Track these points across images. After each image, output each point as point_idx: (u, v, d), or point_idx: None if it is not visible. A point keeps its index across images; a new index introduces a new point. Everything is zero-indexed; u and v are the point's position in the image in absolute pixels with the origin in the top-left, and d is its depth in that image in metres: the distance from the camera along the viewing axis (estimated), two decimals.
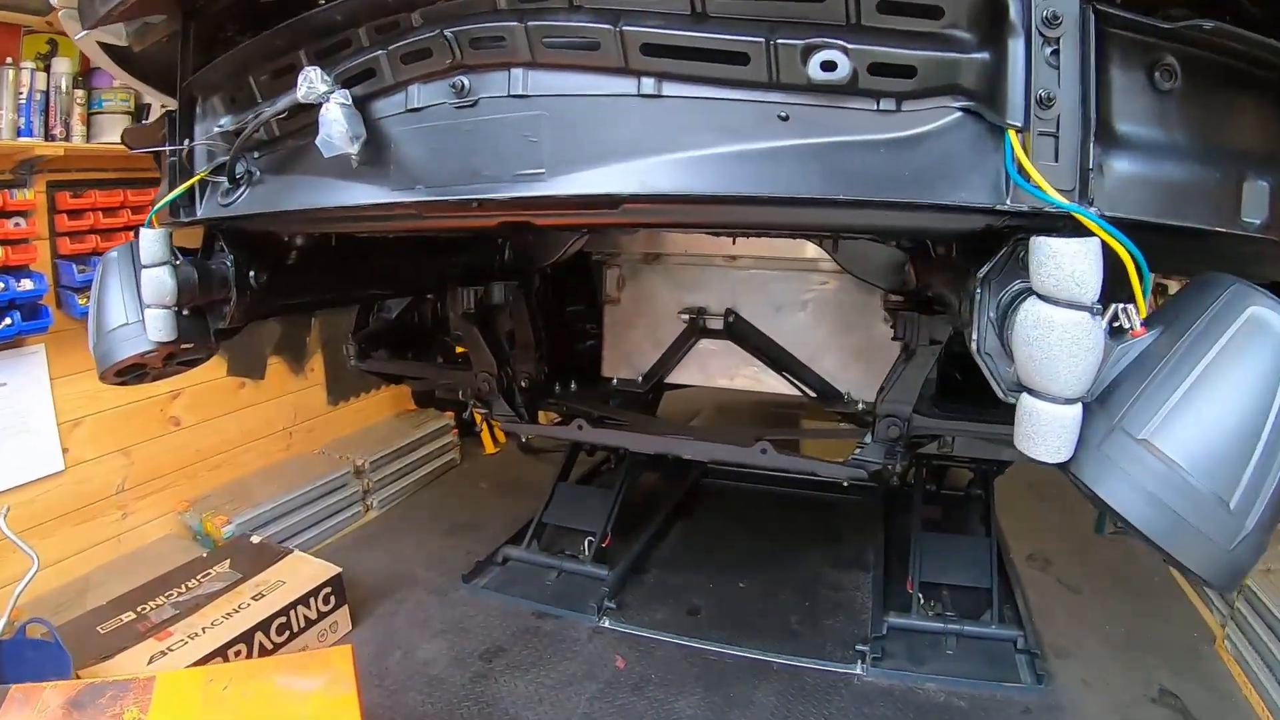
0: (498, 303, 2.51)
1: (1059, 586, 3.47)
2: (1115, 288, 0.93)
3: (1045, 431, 0.95)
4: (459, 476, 4.75)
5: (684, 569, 3.60)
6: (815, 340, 2.69)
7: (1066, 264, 0.88)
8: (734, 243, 2.05)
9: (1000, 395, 1.05)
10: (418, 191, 1.15)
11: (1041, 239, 0.90)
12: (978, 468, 3.66)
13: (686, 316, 2.71)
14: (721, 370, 2.81)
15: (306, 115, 1.24)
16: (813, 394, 2.69)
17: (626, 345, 2.91)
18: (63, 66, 3.04)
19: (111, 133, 3.15)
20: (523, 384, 2.69)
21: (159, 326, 1.53)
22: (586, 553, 3.48)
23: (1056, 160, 0.93)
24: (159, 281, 1.52)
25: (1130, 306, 0.94)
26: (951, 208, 0.96)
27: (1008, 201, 0.95)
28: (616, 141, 1.03)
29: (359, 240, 1.98)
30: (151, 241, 1.51)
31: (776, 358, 2.67)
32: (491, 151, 1.10)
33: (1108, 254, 0.90)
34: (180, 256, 1.60)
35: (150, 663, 2.59)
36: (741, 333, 2.68)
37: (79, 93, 3.09)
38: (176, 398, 3.55)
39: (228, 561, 3.15)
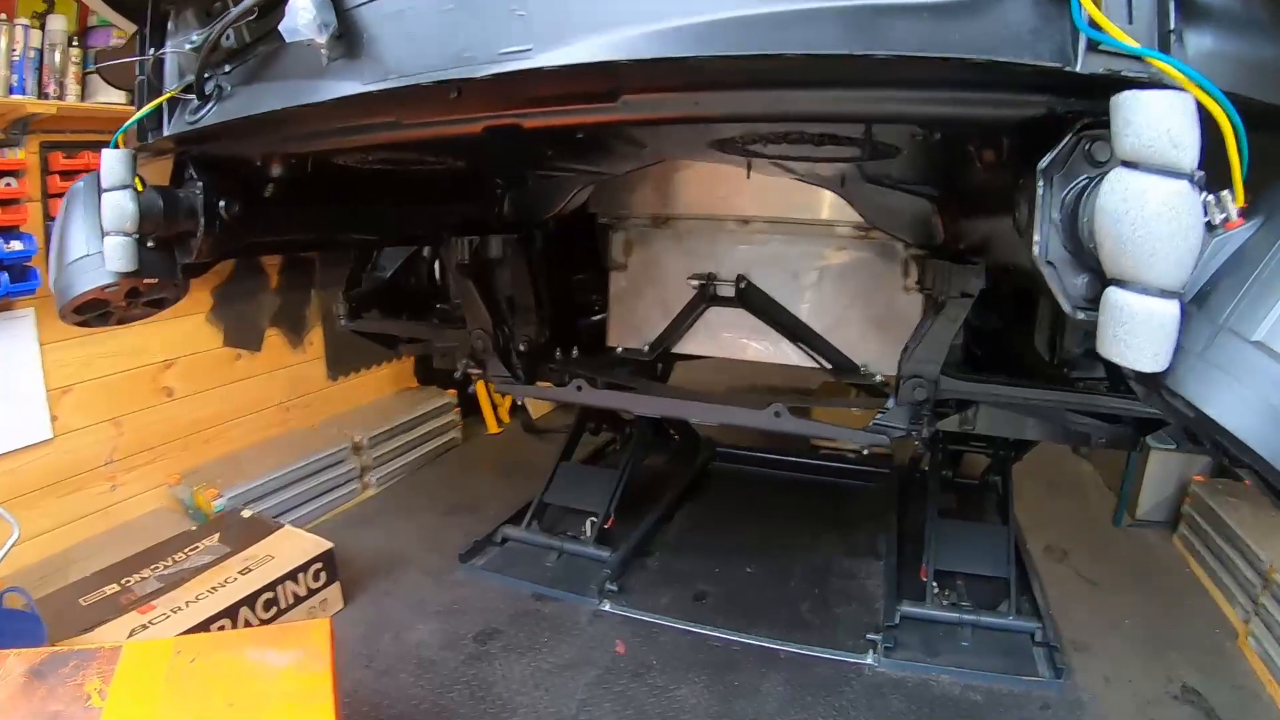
0: (495, 257, 2.38)
1: (1077, 579, 3.36)
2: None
3: (1139, 331, 0.80)
4: (460, 456, 4.64)
5: (690, 553, 3.48)
6: (832, 310, 2.55)
7: (1159, 119, 0.74)
8: (748, 174, 1.88)
9: (1068, 311, 0.90)
10: (391, 79, 1.02)
11: (1129, 93, 0.76)
12: (995, 454, 3.51)
13: (696, 283, 2.57)
14: (733, 340, 2.67)
15: (278, 16, 1.11)
16: (828, 365, 2.54)
17: (633, 313, 2.77)
18: (58, 24, 2.95)
19: (107, 92, 3.05)
20: (521, 347, 2.56)
21: (119, 255, 1.41)
22: (588, 534, 3.37)
23: (1130, 21, 0.79)
24: (119, 206, 1.39)
25: (1225, 193, 0.80)
26: (1009, 75, 0.82)
27: (1078, 65, 0.81)
28: (616, 8, 0.90)
29: (344, 178, 1.84)
30: (113, 162, 1.39)
31: (790, 327, 2.52)
32: (473, 31, 0.96)
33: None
34: (147, 185, 1.48)
35: (130, 636, 2.50)
36: (753, 300, 2.54)
37: (74, 51, 3.00)
38: (170, 367, 3.45)
39: (217, 535, 3.06)
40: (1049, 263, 0.91)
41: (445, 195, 2.23)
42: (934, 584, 2.97)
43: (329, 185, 1.84)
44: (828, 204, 2.40)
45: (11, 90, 2.84)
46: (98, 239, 1.47)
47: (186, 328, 3.49)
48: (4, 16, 2.80)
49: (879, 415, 2.14)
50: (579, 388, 2.34)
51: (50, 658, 1.82)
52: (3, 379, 2.93)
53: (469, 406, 4.81)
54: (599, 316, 3.03)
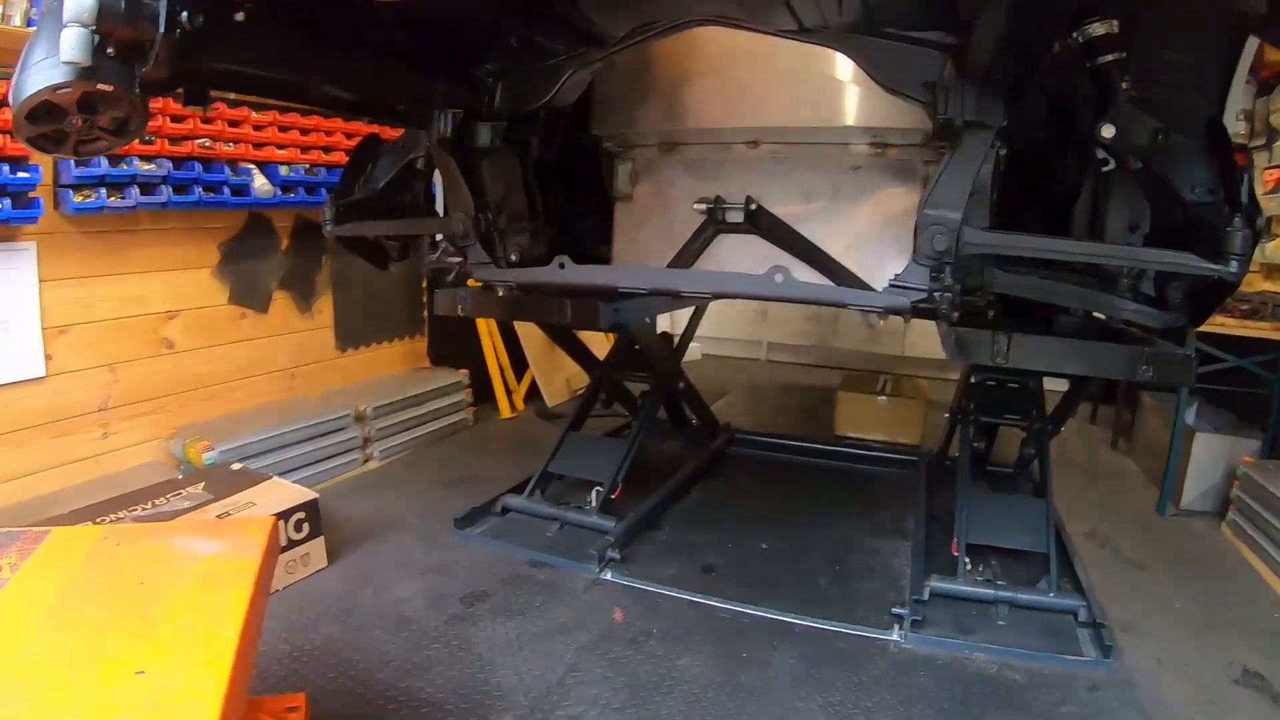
0: (483, 145, 2.25)
1: (1121, 562, 3.10)
2: None
3: None
4: (470, 437, 4.48)
5: (700, 528, 3.25)
6: (848, 232, 2.36)
7: None
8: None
9: None
10: None
11: None
12: (1031, 427, 3.23)
13: (703, 207, 2.40)
14: (743, 269, 2.48)
15: None
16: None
17: (638, 244, 2.60)
18: None
19: None
20: (513, 256, 2.40)
21: (73, 44, 1.32)
22: (593, 504, 3.17)
23: None
24: None
25: None
26: None
27: None
28: None
29: (324, 31, 1.74)
30: None
31: (804, 251, 2.33)
32: None
33: None
34: None
35: None
36: (764, 223, 2.35)
37: None
38: (172, 319, 3.37)
39: (202, 484, 2.93)
40: None
41: (432, 70, 2.13)
42: (966, 559, 2.69)
43: (307, 31, 1.75)
44: (841, 110, 2.24)
45: (30, 23, 2.85)
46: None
47: (191, 280, 3.41)
48: None
49: (895, 276, 1.93)
50: (561, 265, 2.15)
51: None
52: None
53: (481, 391, 4.66)
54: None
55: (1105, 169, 1.90)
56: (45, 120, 1.51)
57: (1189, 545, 3.28)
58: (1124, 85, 1.65)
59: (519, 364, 4.89)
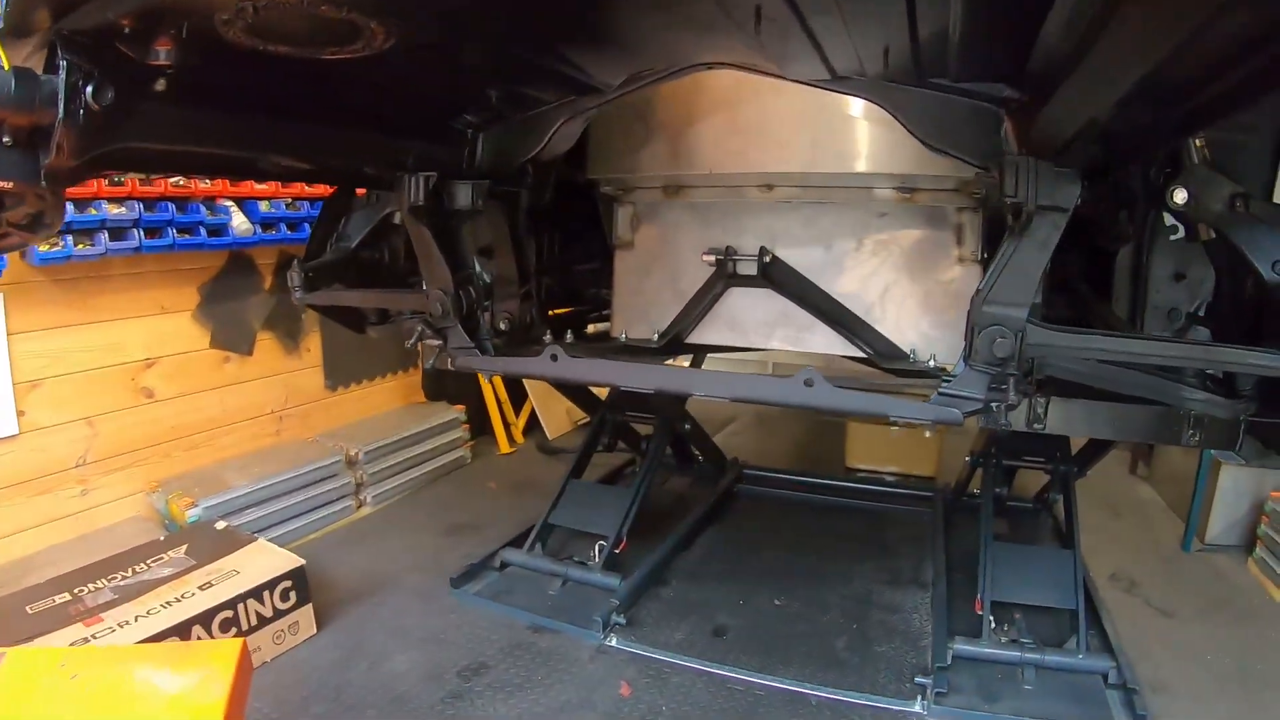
0: (463, 208, 2.02)
1: (1148, 610, 2.96)
2: None
3: None
4: (467, 475, 4.31)
5: (710, 582, 3.09)
6: (872, 287, 2.18)
7: None
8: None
9: None
10: None
11: None
12: (1055, 469, 3.08)
13: (712, 259, 2.22)
14: (756, 327, 2.29)
15: None
16: (869, 352, 2.16)
17: (641, 297, 2.43)
18: None
19: None
20: (502, 325, 2.22)
21: None
22: (596, 559, 3.00)
23: None
24: None
25: None
26: None
27: None
28: None
29: (267, 88, 1.53)
30: None
31: (824, 308, 2.15)
32: None
33: None
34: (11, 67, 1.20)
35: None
36: (779, 277, 2.18)
37: None
38: (151, 367, 3.20)
39: (185, 547, 2.78)
40: None
41: (401, 128, 1.92)
42: (990, 618, 2.53)
43: (245, 92, 1.54)
44: (866, 155, 2.06)
45: None
46: None
47: (169, 325, 3.25)
48: None
49: (945, 384, 1.69)
50: (553, 357, 1.96)
51: None
52: None
53: (480, 425, 4.50)
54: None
55: (1174, 238, 1.70)
56: None
57: (1216, 586, 3.15)
58: (1198, 144, 1.46)
59: (518, 395, 4.72)
